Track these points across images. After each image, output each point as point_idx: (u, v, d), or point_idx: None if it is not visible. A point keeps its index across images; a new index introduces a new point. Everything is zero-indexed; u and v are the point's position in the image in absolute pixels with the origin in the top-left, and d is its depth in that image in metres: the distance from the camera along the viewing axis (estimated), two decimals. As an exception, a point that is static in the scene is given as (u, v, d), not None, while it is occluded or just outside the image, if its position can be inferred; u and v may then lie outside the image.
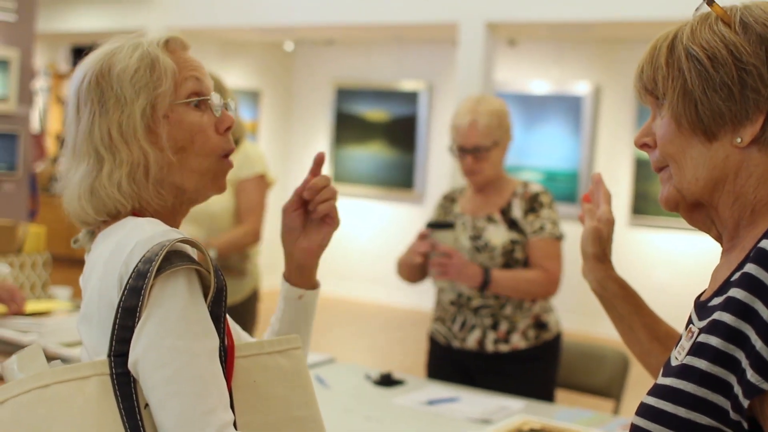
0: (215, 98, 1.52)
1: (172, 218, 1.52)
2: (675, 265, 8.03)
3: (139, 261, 1.32)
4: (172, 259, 1.32)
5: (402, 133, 9.31)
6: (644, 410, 1.16)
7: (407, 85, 9.30)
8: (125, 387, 1.33)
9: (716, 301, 1.17)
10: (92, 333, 1.40)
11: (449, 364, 3.24)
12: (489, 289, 3.07)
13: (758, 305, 1.07)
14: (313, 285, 1.69)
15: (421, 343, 7.93)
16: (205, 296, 1.37)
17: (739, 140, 1.18)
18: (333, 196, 1.63)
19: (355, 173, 9.61)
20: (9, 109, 5.95)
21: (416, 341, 8.02)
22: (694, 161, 1.22)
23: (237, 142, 3.80)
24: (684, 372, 1.14)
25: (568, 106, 8.47)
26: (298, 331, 1.66)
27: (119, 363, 1.33)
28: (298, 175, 10.03)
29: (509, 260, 3.13)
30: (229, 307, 3.78)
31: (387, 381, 3.06)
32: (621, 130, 8.27)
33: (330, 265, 9.98)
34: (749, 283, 1.09)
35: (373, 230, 9.57)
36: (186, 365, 1.30)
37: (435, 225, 3.13)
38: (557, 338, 3.25)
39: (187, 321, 1.32)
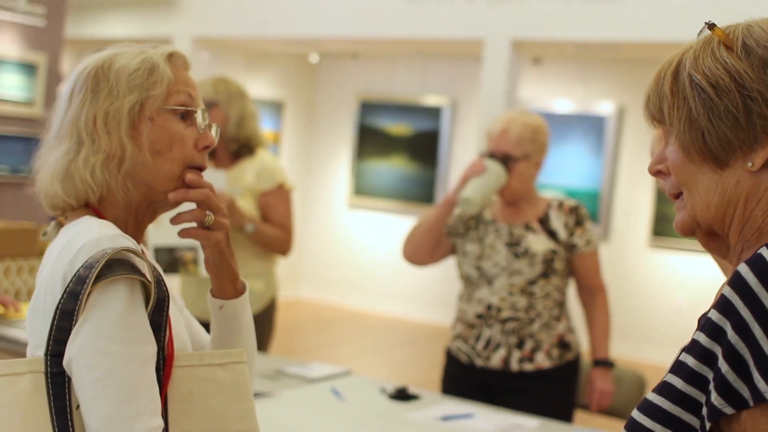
0: (201, 115, 1.56)
1: (134, 217, 1.55)
2: (695, 287, 7.99)
3: (82, 265, 1.36)
4: (113, 267, 1.35)
5: (424, 147, 9.32)
6: (629, 424, 1.18)
7: (431, 100, 9.31)
8: (59, 386, 1.36)
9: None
10: (36, 326, 1.44)
11: (467, 381, 3.23)
12: (613, 363, 3.23)
13: (727, 327, 1.08)
14: (230, 296, 1.63)
15: (438, 357, 7.93)
16: (148, 305, 1.39)
17: (750, 164, 1.17)
18: (197, 222, 1.56)
19: (376, 187, 9.62)
20: (35, 113, 5.99)
21: (433, 356, 8.01)
22: (705, 188, 1.21)
23: (252, 150, 3.81)
24: (663, 389, 1.15)
25: (591, 125, 8.46)
26: (229, 342, 1.64)
27: (55, 362, 1.36)
28: (320, 186, 10.06)
29: (548, 269, 3.15)
30: None
31: (402, 395, 3.05)
32: (644, 151, 8.24)
33: (349, 278, 10.01)
34: (723, 304, 1.09)
35: (393, 244, 9.57)
36: (116, 369, 1.33)
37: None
38: (578, 359, 3.26)
39: (123, 327, 1.35)
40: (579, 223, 3.18)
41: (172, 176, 1.53)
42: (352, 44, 8.67)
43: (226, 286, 1.62)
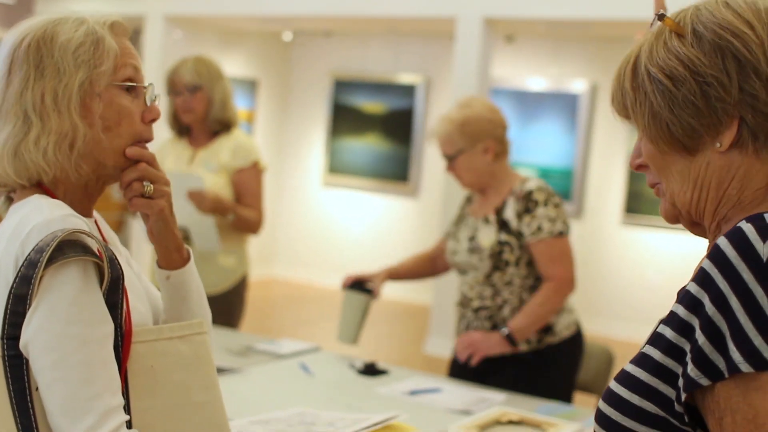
0: (150, 89, 1.55)
1: (84, 192, 1.54)
2: (668, 264, 8.05)
3: (32, 249, 1.35)
4: (64, 249, 1.35)
5: (398, 126, 9.31)
6: (607, 395, 1.19)
7: (404, 78, 9.31)
8: (16, 369, 1.36)
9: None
10: None
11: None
12: (518, 342, 3.06)
13: (705, 299, 1.09)
14: (177, 265, 1.63)
15: (414, 336, 7.97)
16: (102, 284, 1.39)
17: (719, 145, 1.19)
18: (135, 195, 1.56)
19: (350, 165, 9.62)
20: (5, 92, 5.96)
21: (408, 334, 8.05)
22: (679, 175, 1.23)
23: (229, 128, 3.88)
24: (641, 360, 1.17)
25: (565, 103, 8.48)
26: (180, 312, 1.64)
27: (11, 345, 1.36)
28: (293, 164, 10.04)
29: (497, 262, 3.11)
30: (218, 294, 3.80)
31: (371, 370, 3.08)
32: (616, 128, 8.28)
33: (323, 256, 10.02)
34: (701, 277, 1.11)
35: (368, 222, 9.59)
36: (73, 351, 1.33)
37: (353, 286, 3.24)
38: (566, 342, 3.17)
39: (78, 308, 1.35)
40: (528, 210, 3.08)
41: (120, 151, 1.52)
42: (325, 22, 8.64)
43: (172, 254, 1.62)
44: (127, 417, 1.38)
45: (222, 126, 3.87)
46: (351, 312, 3.25)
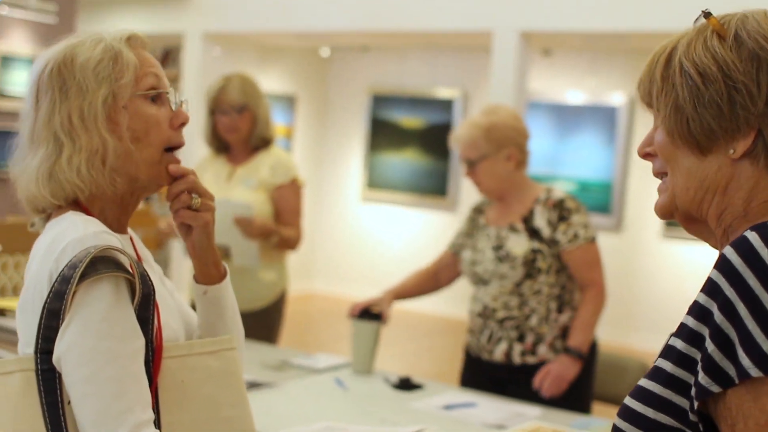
0: (173, 95, 1.57)
1: (122, 208, 1.56)
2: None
3: (66, 265, 1.37)
4: (97, 265, 1.37)
5: (436, 140, 9.32)
6: (622, 410, 1.20)
7: (442, 92, 9.32)
8: (50, 383, 1.38)
9: None
10: (25, 323, 1.45)
11: (480, 375, 3.24)
12: (585, 356, 3.10)
13: (713, 308, 1.10)
14: (215, 280, 1.65)
15: (451, 351, 7.94)
16: (133, 300, 1.41)
17: (732, 152, 1.19)
18: (182, 205, 1.59)
19: (389, 180, 9.64)
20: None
21: (446, 349, 8.03)
22: (687, 172, 1.24)
23: (268, 144, 3.90)
24: (653, 374, 1.17)
25: (603, 116, 8.44)
26: (215, 327, 1.65)
27: (45, 360, 1.38)
28: (333, 180, 10.08)
29: (531, 270, 3.11)
30: (258, 309, 3.82)
31: (406, 385, 3.08)
32: (656, 141, 8.21)
33: (362, 271, 10.03)
34: (709, 286, 1.12)
35: (406, 237, 9.59)
36: (105, 366, 1.35)
37: (362, 315, 3.25)
38: (591, 350, 3.20)
39: (110, 323, 1.37)
40: (563, 218, 3.11)
41: (153, 161, 1.54)
42: (362, 37, 8.68)
43: (210, 269, 1.64)
44: (157, 431, 1.40)
45: (262, 143, 3.89)
46: (362, 341, 3.25)
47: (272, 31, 8.39)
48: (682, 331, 1.15)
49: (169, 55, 10.64)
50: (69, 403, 1.38)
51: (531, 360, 3.13)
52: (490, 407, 2.88)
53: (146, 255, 1.65)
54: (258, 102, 3.86)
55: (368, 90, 9.76)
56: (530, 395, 3.05)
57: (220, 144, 3.95)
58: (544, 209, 3.14)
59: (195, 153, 8.72)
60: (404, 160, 9.52)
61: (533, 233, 3.14)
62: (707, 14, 1.24)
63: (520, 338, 3.13)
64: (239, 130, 3.83)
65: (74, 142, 1.48)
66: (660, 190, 1.29)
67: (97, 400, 1.35)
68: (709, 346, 1.09)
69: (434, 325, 8.74)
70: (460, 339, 8.22)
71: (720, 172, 1.21)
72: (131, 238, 1.60)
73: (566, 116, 8.59)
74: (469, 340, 3.30)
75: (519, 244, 3.14)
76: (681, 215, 1.28)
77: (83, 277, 1.36)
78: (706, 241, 1.30)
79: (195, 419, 1.48)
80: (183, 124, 1.58)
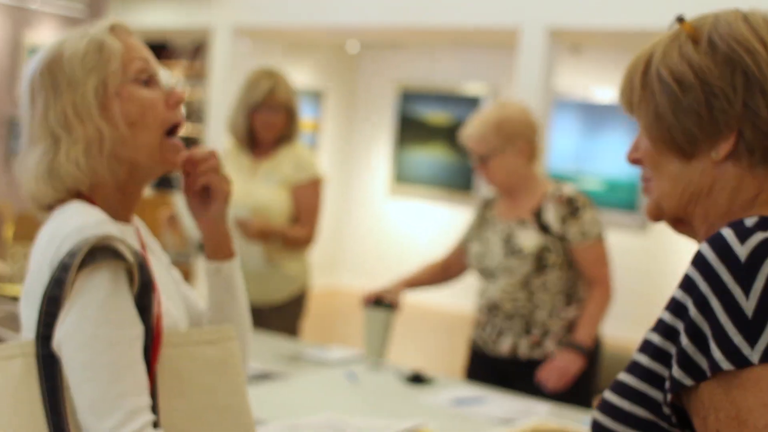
0: (164, 75, 1.59)
1: (126, 196, 1.58)
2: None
3: (66, 253, 1.40)
4: (95, 254, 1.39)
5: (464, 136, 9.32)
6: (601, 404, 1.22)
7: (470, 88, 9.31)
8: (50, 368, 1.41)
9: None
10: (28, 309, 1.48)
11: (486, 368, 3.25)
12: (589, 351, 3.10)
13: (688, 303, 1.11)
14: (228, 255, 1.68)
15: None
16: (132, 288, 1.43)
17: (714, 154, 1.21)
18: (211, 169, 1.63)
19: (416, 175, 9.65)
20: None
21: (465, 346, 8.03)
22: (671, 177, 1.25)
23: (290, 140, 3.91)
24: (631, 367, 1.19)
25: (631, 114, 8.40)
26: (225, 306, 1.67)
27: (45, 345, 1.41)
28: (360, 175, 10.11)
29: (540, 264, 3.12)
30: (278, 304, 3.84)
31: (417, 379, 3.09)
32: (684, 140, 8.17)
33: (389, 266, 10.05)
34: (685, 282, 1.14)
35: (433, 232, 9.60)
36: (102, 352, 1.37)
37: (375, 304, 3.25)
38: (597, 345, 3.22)
39: (108, 311, 1.39)
40: (573, 214, 3.12)
41: (153, 145, 1.55)
42: (390, 34, 8.69)
43: (223, 245, 1.67)
44: (154, 417, 1.42)
45: (287, 138, 3.91)
46: (375, 329, 3.26)
47: (301, 26, 8.43)
48: (659, 326, 1.17)
49: (199, 50, 10.71)
50: (68, 388, 1.40)
51: (537, 354, 3.14)
52: (499, 402, 2.89)
53: (153, 245, 1.67)
54: (296, 103, 3.91)
55: (396, 86, 9.78)
56: (536, 390, 3.06)
57: (251, 139, 3.94)
58: (556, 205, 3.14)
59: (223, 145, 8.79)
60: (432, 156, 9.52)
61: (543, 228, 3.14)
62: (680, 20, 1.25)
63: (527, 332, 3.14)
64: (278, 128, 3.85)
65: (71, 135, 1.50)
66: (646, 193, 1.31)
67: (94, 385, 1.37)
68: (683, 340, 1.10)
69: (459, 321, 8.74)
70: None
71: (704, 175, 1.22)
72: (137, 228, 1.62)
73: (594, 114, 8.55)
74: (475, 334, 3.31)
75: (529, 239, 3.14)
76: (669, 218, 1.29)
77: (82, 265, 1.38)
78: (695, 239, 1.31)
79: (192, 407, 1.50)
80: (178, 103, 1.59)
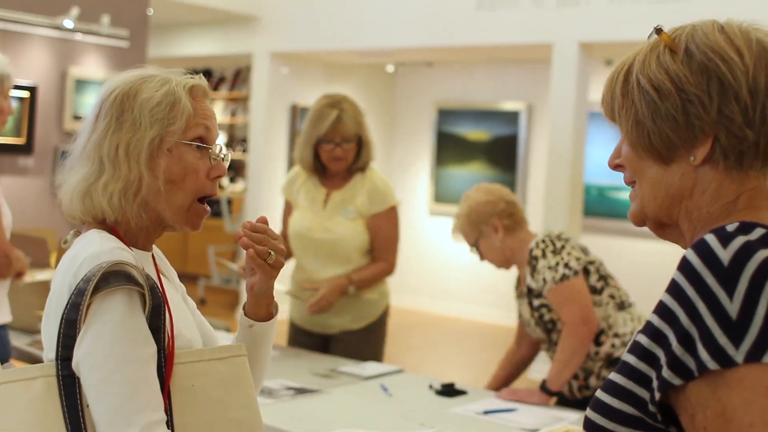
0: (216, 148, 1.69)
1: (145, 237, 1.68)
2: None
3: (82, 278, 1.50)
4: (109, 279, 1.50)
5: (502, 153, 9.38)
6: (593, 402, 1.27)
7: (507, 105, 9.37)
8: (70, 387, 1.51)
9: None
10: (48, 331, 1.58)
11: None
12: (557, 391, 3.12)
13: (677, 309, 1.17)
14: (263, 318, 1.78)
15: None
16: (144, 310, 1.53)
17: (692, 159, 1.26)
18: (263, 255, 1.69)
19: (456, 193, 9.70)
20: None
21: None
22: (652, 181, 1.30)
23: (363, 169, 3.81)
24: (620, 367, 1.25)
25: (669, 125, 8.39)
26: (251, 355, 1.75)
27: (65, 366, 1.51)
28: (401, 194, 10.20)
29: (547, 324, 3.22)
30: (363, 327, 3.91)
31: (449, 391, 3.17)
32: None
33: (431, 284, 10.11)
34: (673, 288, 1.18)
35: (474, 249, 9.63)
36: (117, 370, 1.48)
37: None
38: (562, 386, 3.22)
39: (122, 331, 1.49)
40: (534, 268, 3.20)
41: (183, 206, 1.66)
42: (426, 53, 8.80)
43: (262, 309, 1.77)
44: (169, 431, 1.51)
45: (361, 167, 3.81)
46: None
47: (338, 49, 8.56)
48: (647, 328, 1.22)
49: (240, 75, 10.90)
50: (87, 406, 1.50)
51: (587, 393, 3.19)
52: (529, 412, 2.95)
53: (169, 272, 1.78)
54: (367, 129, 3.79)
55: (434, 104, 9.87)
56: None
57: (321, 170, 3.84)
58: (528, 266, 3.25)
59: (274, 173, 8.94)
60: (470, 173, 9.58)
61: (529, 293, 3.26)
62: (659, 30, 1.31)
63: (575, 377, 3.19)
64: (347, 160, 3.75)
65: (114, 170, 1.61)
66: (631, 198, 1.36)
67: (110, 401, 1.47)
68: (673, 342, 1.16)
69: (503, 336, 8.76)
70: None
71: (684, 178, 1.28)
72: (152, 255, 1.72)
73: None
74: None
75: (525, 309, 3.30)
76: (651, 222, 1.35)
77: (96, 289, 1.49)
78: (678, 243, 1.37)
79: (206, 420, 1.59)
80: (219, 177, 1.70)
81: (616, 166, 1.37)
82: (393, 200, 3.83)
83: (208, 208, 1.72)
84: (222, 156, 1.70)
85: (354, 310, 3.80)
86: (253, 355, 1.77)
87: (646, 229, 1.41)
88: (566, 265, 3.15)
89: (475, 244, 3.37)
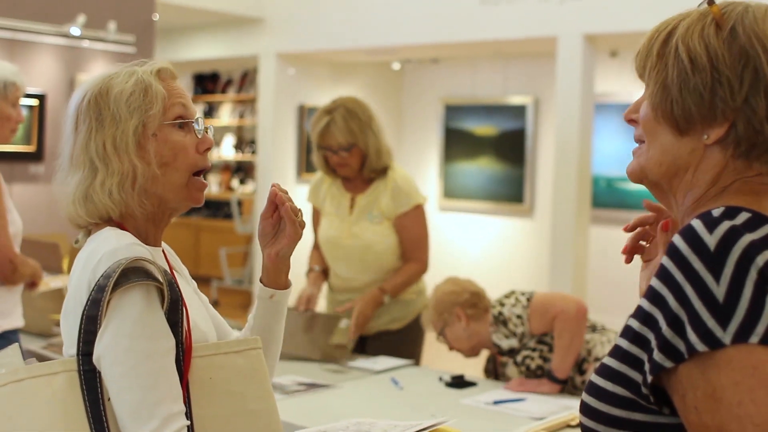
0: (198, 122, 1.73)
1: (153, 226, 1.73)
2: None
3: (101, 275, 1.54)
4: (128, 275, 1.53)
5: (510, 147, 9.40)
6: (588, 386, 1.30)
7: (514, 99, 9.39)
8: (91, 382, 1.55)
9: None
10: (68, 328, 1.62)
11: None
12: (564, 379, 3.16)
13: (666, 293, 1.19)
14: (283, 286, 1.83)
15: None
16: (163, 305, 1.57)
17: (706, 137, 1.27)
18: (295, 212, 1.76)
19: (465, 188, 9.74)
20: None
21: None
22: (662, 147, 1.31)
23: (384, 171, 3.77)
24: (613, 351, 1.28)
25: (676, 115, 8.40)
26: (270, 328, 1.82)
27: (86, 361, 1.55)
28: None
29: (534, 374, 3.21)
30: (401, 327, 3.92)
31: (459, 383, 3.20)
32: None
33: (438, 278, 10.07)
34: (662, 273, 1.21)
35: (484, 245, 9.68)
36: (138, 363, 1.51)
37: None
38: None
39: (142, 325, 1.53)
40: (503, 322, 3.26)
41: (181, 184, 1.70)
42: (432, 50, 8.83)
43: (282, 277, 1.82)
44: (188, 422, 1.55)
45: (378, 172, 3.76)
46: None
47: (344, 49, 8.60)
48: (638, 312, 1.25)
49: (247, 77, 10.95)
50: (109, 399, 1.54)
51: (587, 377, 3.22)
52: (538, 402, 2.98)
53: (180, 268, 1.82)
54: (366, 136, 3.69)
55: (441, 100, 9.90)
56: None
57: (333, 173, 3.83)
58: (496, 333, 3.28)
59: (283, 174, 8.98)
60: (479, 168, 9.61)
61: (511, 353, 3.27)
62: (711, 1, 1.29)
63: (580, 372, 3.21)
64: (350, 166, 3.72)
65: (107, 167, 1.65)
66: (635, 154, 1.36)
67: (132, 393, 1.51)
68: (663, 326, 1.18)
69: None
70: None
71: (693, 153, 1.29)
72: (163, 251, 1.77)
73: (637, 117, 8.56)
74: None
75: (512, 371, 3.27)
76: (650, 183, 1.36)
77: (116, 285, 1.52)
78: (668, 209, 1.39)
79: (223, 413, 1.63)
80: (208, 149, 1.74)
81: (630, 120, 1.38)
82: (418, 198, 3.78)
83: (206, 180, 1.76)
84: (205, 128, 1.74)
85: (392, 311, 3.79)
86: (272, 327, 1.83)
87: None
88: (522, 294, 3.31)
89: (441, 333, 3.44)
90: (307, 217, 3.94)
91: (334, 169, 3.77)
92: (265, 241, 1.79)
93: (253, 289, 9.42)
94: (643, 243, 1.56)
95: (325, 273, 3.87)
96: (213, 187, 11.11)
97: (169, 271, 1.64)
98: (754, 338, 1.13)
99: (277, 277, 1.82)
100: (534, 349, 3.20)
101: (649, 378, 1.20)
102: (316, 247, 3.94)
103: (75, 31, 6.24)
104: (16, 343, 1.63)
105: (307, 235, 3.73)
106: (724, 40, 1.25)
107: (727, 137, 1.26)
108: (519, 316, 3.23)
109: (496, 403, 2.96)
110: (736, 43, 1.25)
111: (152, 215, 1.71)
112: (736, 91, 1.24)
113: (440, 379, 3.27)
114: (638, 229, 1.56)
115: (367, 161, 3.71)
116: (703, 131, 1.27)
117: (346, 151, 3.67)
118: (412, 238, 3.77)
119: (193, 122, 1.73)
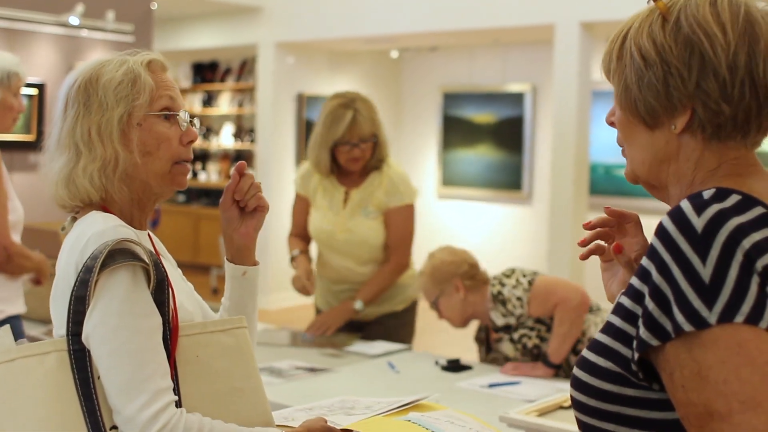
0: (183, 114, 1.77)
1: (138, 210, 1.77)
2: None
3: (89, 256, 1.58)
4: (115, 256, 1.57)
5: (509, 134, 9.43)
6: (579, 361, 1.33)
7: (512, 87, 9.42)
8: (81, 361, 1.59)
9: None
10: (57, 309, 1.66)
11: None
12: (559, 364, 3.20)
13: (652, 269, 1.22)
14: (254, 262, 1.89)
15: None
16: (149, 285, 1.61)
17: (673, 127, 1.31)
18: (258, 189, 1.82)
19: (463, 176, 9.77)
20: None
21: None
22: (640, 145, 1.36)
23: (380, 164, 3.76)
24: (605, 328, 1.31)
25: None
26: (245, 305, 1.87)
27: (75, 341, 1.59)
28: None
29: (530, 353, 3.25)
30: (390, 313, 3.93)
31: (454, 367, 3.25)
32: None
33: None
34: (649, 251, 1.24)
35: (484, 232, 9.71)
36: (126, 341, 1.56)
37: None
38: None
39: (129, 304, 1.57)
40: (501, 301, 3.28)
41: (162, 172, 1.74)
42: (430, 38, 8.85)
43: (251, 253, 1.87)
44: (176, 397, 1.60)
45: (378, 163, 3.75)
46: None
47: (342, 37, 8.62)
48: (629, 290, 1.28)
49: (245, 66, 10.97)
50: (99, 377, 1.58)
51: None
52: (532, 384, 3.03)
53: (166, 255, 1.87)
54: (381, 126, 3.73)
55: (439, 88, 9.93)
56: None
57: (337, 171, 3.78)
58: (495, 311, 3.30)
59: (282, 162, 9.01)
60: (478, 156, 9.64)
61: (507, 330, 3.29)
62: None
63: (575, 353, 3.25)
64: (365, 159, 3.70)
65: (91, 153, 1.69)
66: (624, 157, 1.41)
67: (121, 370, 1.55)
68: (649, 304, 1.21)
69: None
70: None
71: (668, 145, 1.33)
72: (149, 235, 1.81)
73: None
74: None
75: (508, 348, 3.29)
76: (643, 183, 1.40)
77: (104, 266, 1.57)
78: (669, 205, 1.41)
79: (211, 390, 1.67)
80: (191, 142, 1.78)
81: (611, 123, 1.42)
82: (409, 197, 3.78)
83: (188, 165, 1.80)
84: (191, 121, 1.78)
85: (389, 297, 3.81)
86: (247, 304, 1.88)
87: (654, 205, 1.46)
88: (523, 275, 3.30)
89: (435, 302, 3.43)
90: (288, 205, 3.93)
91: (339, 166, 3.72)
92: (232, 226, 1.84)
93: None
94: (603, 243, 1.60)
95: (307, 254, 3.88)
96: (212, 175, 11.14)
97: (154, 252, 1.67)
98: (739, 318, 1.16)
99: (249, 254, 1.87)
100: (532, 329, 3.24)
101: (636, 355, 1.23)
102: (295, 234, 3.92)
103: (74, 20, 6.26)
104: (7, 325, 1.66)
105: (280, 222, 3.66)
106: (670, 31, 1.29)
107: (693, 123, 1.30)
108: (519, 299, 3.25)
109: (491, 386, 3.01)
110: (681, 33, 1.28)
111: (137, 200, 1.75)
112: (686, 78, 1.28)
113: (436, 363, 3.32)
114: (598, 229, 1.59)
115: (377, 153, 3.72)
116: (670, 122, 1.31)
117: (367, 143, 3.66)
118: (397, 235, 3.76)
119: (178, 114, 1.76)
